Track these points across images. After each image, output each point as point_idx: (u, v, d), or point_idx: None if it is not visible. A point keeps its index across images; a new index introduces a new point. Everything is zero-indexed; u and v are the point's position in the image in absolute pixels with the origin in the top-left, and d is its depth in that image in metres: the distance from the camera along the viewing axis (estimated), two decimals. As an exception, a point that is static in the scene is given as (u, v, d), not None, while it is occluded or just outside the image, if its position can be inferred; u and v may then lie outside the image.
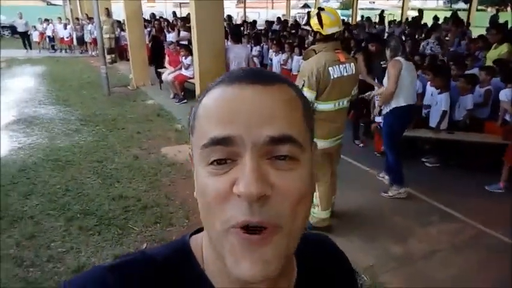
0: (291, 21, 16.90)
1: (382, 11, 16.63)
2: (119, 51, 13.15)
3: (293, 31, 11.54)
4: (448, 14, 14.13)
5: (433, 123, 4.55)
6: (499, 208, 3.76)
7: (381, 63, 5.38)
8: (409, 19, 15.89)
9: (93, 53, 14.34)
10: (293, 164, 0.43)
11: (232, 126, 0.42)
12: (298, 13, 35.75)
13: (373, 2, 43.80)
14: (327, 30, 2.86)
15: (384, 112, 3.95)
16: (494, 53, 5.20)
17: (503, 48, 5.14)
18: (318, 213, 3.34)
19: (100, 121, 6.55)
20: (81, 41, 15.45)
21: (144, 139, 5.74)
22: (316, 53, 2.89)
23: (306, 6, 36.60)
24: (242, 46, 5.51)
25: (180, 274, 0.50)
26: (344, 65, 2.89)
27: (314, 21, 2.89)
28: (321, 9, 2.94)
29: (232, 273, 0.43)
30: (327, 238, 0.68)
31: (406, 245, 3.27)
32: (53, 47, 15.85)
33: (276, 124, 0.43)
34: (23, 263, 2.93)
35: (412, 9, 24.27)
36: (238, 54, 5.25)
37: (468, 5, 16.43)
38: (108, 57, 12.79)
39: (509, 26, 9.28)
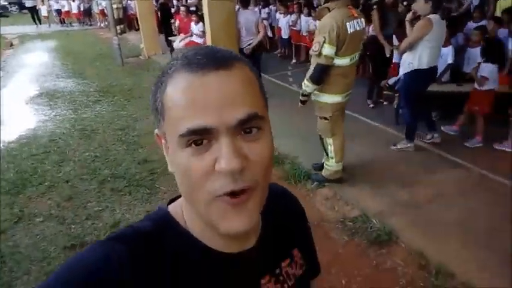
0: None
1: None
2: (128, 21, 13.17)
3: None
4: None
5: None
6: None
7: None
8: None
9: (102, 25, 14.38)
10: (259, 134, 0.51)
11: (207, 117, 0.48)
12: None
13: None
14: None
15: (404, 70, 3.90)
16: (507, 1, 5.15)
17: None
18: (332, 165, 3.54)
19: (117, 91, 6.78)
20: (88, 12, 15.48)
21: (161, 107, 5.96)
22: (329, 11, 3.01)
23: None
24: (251, 11, 5.55)
25: (168, 238, 0.57)
26: (357, 20, 3.02)
27: None
28: None
29: (223, 231, 0.52)
30: (287, 191, 0.78)
31: (412, 191, 3.49)
32: (61, 20, 15.86)
33: (243, 106, 0.49)
34: (65, 221, 3.26)
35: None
36: (248, 19, 5.31)
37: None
38: (118, 28, 12.87)
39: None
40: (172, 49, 8.82)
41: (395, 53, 5.05)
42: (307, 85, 3.17)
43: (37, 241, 3.04)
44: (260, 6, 8.90)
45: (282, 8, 8.17)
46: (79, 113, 5.75)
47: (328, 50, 2.95)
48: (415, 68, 3.73)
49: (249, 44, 5.37)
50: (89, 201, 3.56)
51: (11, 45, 12.10)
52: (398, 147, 4.20)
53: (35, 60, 9.55)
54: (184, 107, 0.49)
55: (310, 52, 3.11)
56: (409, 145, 4.16)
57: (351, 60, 3.11)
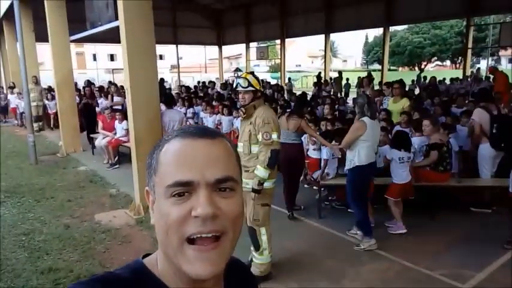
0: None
1: (319, 73, 18.08)
2: (47, 119, 12.72)
3: (229, 93, 12.14)
4: (365, 74, 15.87)
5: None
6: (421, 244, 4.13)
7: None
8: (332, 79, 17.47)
9: (18, 122, 13.69)
10: (232, 193, 0.62)
11: (192, 172, 0.59)
12: (231, 76, 37.54)
13: (299, 65, 47.41)
14: (259, 88, 3.44)
15: (346, 168, 4.18)
16: (398, 106, 5.96)
17: (405, 102, 5.92)
18: (265, 258, 3.45)
19: (26, 192, 6.18)
20: (4, 110, 14.73)
21: (76, 207, 5.50)
22: (255, 108, 3.37)
23: (238, 70, 38.62)
24: (176, 110, 5.72)
25: (144, 285, 0.64)
26: None
27: (255, 81, 3.40)
28: (251, 72, 3.52)
29: (189, 275, 0.59)
30: (239, 260, 0.84)
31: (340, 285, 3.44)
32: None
33: (221, 169, 0.61)
34: None
35: (334, 70, 26.67)
36: (173, 118, 5.44)
37: (381, 66, 18.61)
38: (35, 125, 12.27)
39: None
40: (93, 146, 8.54)
41: (311, 147, 5.44)
42: (263, 172, 3.26)
43: None
44: (186, 107, 9.21)
45: (209, 109, 8.56)
46: (-25, 217, 5.04)
47: (275, 136, 3.29)
48: (356, 164, 3.96)
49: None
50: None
51: None
52: (362, 247, 4.08)
53: None
54: (175, 164, 0.61)
55: (262, 142, 3.27)
56: (371, 242, 4.07)
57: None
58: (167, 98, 5.55)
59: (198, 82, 15.79)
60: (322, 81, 16.21)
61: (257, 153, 3.33)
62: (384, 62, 17.62)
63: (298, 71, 41.58)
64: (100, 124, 7.93)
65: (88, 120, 9.26)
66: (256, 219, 3.40)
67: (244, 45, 23.53)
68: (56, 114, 11.60)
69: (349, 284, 3.48)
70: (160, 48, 40.48)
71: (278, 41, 22.29)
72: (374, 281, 3.52)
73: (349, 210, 5.14)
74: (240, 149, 3.45)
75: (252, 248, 3.60)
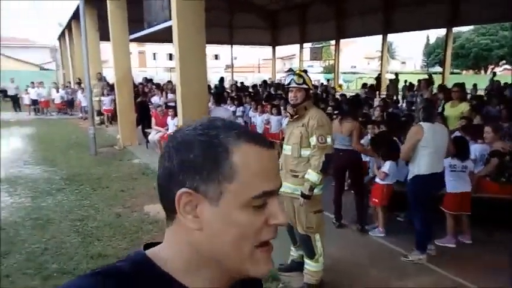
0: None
1: (378, 75, 17.57)
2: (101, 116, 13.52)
3: (279, 92, 12.13)
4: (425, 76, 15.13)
5: (402, 177, 4.71)
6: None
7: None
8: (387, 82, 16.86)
9: (83, 115, 14.66)
10: None
11: (274, 182, 0.63)
12: (283, 77, 37.54)
13: (355, 67, 46.28)
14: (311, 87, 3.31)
15: (409, 177, 3.89)
16: (456, 111, 5.58)
17: (465, 107, 5.53)
18: (319, 265, 3.31)
19: (84, 180, 6.60)
20: (71, 103, 15.87)
21: (128, 197, 5.78)
22: (306, 109, 3.21)
23: (290, 70, 38.55)
24: (224, 108, 5.81)
25: (146, 279, 0.62)
26: None
27: (309, 80, 3.25)
28: (305, 71, 3.37)
29: (251, 275, 0.63)
30: None
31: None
32: (38, 109, 16.09)
33: (279, 178, 0.66)
34: (-6, 324, 2.87)
35: (391, 72, 25.72)
36: (221, 116, 5.52)
37: (442, 68, 17.61)
38: (97, 118, 13.12)
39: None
40: (148, 141, 8.94)
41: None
42: (316, 176, 3.09)
43: None
44: (236, 105, 9.34)
45: (259, 108, 8.62)
46: (38, 202, 5.46)
47: (330, 139, 3.16)
48: (415, 173, 3.72)
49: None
50: (27, 301, 3.19)
51: (-14, 130, 12.02)
52: (410, 258, 3.83)
53: (7, 146, 9.40)
54: (262, 174, 0.61)
55: (317, 145, 3.10)
56: (421, 257, 3.79)
57: None
58: (216, 95, 5.64)
59: (261, 83, 15.93)
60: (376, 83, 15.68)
61: (308, 157, 3.16)
62: (446, 65, 16.64)
63: (353, 73, 40.63)
64: (153, 120, 8.28)
65: (142, 116, 9.69)
66: (310, 226, 3.23)
67: (298, 45, 23.39)
68: (109, 111, 12.30)
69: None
70: (216, 48, 41.53)
71: (333, 42, 21.91)
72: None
73: (398, 218, 4.95)
74: (287, 152, 3.30)
75: (294, 254, 3.55)
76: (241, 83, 17.39)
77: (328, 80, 22.86)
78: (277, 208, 0.62)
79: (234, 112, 9.04)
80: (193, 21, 4.94)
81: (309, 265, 3.32)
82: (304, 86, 3.18)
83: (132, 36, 8.64)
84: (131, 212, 5.18)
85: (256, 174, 0.60)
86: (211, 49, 41.90)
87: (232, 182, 0.59)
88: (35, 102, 15.90)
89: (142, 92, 10.75)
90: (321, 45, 26.05)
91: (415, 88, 10.58)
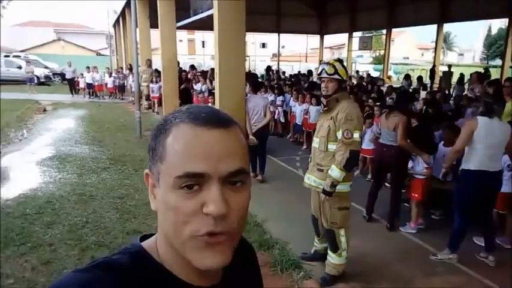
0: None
1: (433, 67, 16.82)
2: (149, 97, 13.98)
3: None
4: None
5: (437, 174, 4.54)
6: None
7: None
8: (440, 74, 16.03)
9: (132, 99, 15.31)
10: (242, 187, 0.60)
11: (204, 164, 0.56)
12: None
13: (407, 58, 44.30)
14: (345, 79, 3.18)
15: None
16: (507, 107, 5.19)
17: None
18: (343, 259, 3.31)
19: (128, 161, 6.94)
20: (122, 88, 16.63)
21: (166, 179, 6.01)
22: (338, 101, 3.10)
23: (338, 60, 37.58)
24: (261, 96, 5.84)
25: (143, 270, 0.62)
26: None
27: (342, 70, 3.10)
28: (339, 60, 3.21)
29: (199, 266, 0.58)
30: (244, 238, 0.82)
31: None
32: (92, 93, 17.00)
33: (234, 161, 0.58)
34: (35, 286, 3.14)
35: (446, 64, 24.37)
36: (257, 104, 5.57)
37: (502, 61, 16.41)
38: (145, 103, 13.66)
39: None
40: (189, 126, 9.19)
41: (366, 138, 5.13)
42: (340, 174, 3.01)
43: (-1, 305, 2.91)
44: (276, 94, 9.33)
45: (300, 97, 8.57)
46: (83, 178, 5.85)
47: (357, 135, 3.02)
48: (463, 168, 3.56)
49: (255, 126, 5.58)
50: (66, 268, 3.44)
51: (44, 110, 12.92)
52: (439, 257, 3.73)
53: (61, 126, 10.08)
54: (186, 154, 0.56)
55: (342, 140, 3.01)
56: (451, 256, 3.68)
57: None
58: (254, 83, 5.68)
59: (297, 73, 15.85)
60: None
61: (334, 151, 3.07)
62: (506, 57, 15.47)
63: (405, 64, 38.90)
64: (195, 105, 8.50)
65: (185, 102, 9.97)
66: (334, 222, 3.20)
67: (347, 34, 22.77)
68: (157, 98, 12.70)
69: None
70: (263, 37, 41.47)
71: (384, 31, 21.09)
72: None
73: (432, 216, 4.77)
74: (315, 145, 3.27)
75: (317, 245, 3.55)
76: (283, 72, 17.26)
77: (379, 72, 22.12)
78: (211, 196, 0.56)
79: (274, 101, 9.05)
80: (233, 9, 4.98)
81: (332, 258, 3.32)
82: (336, 76, 3.04)
83: (179, 24, 8.85)
84: (167, 193, 5.39)
85: (181, 153, 0.57)
86: (258, 37, 41.89)
87: (163, 162, 0.59)
88: (89, 85, 16.83)
89: (186, 78, 11.02)
90: (371, 35, 25.13)
91: (465, 81, 9.95)
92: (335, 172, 3.01)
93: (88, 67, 16.87)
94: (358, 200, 4.96)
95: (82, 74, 17.01)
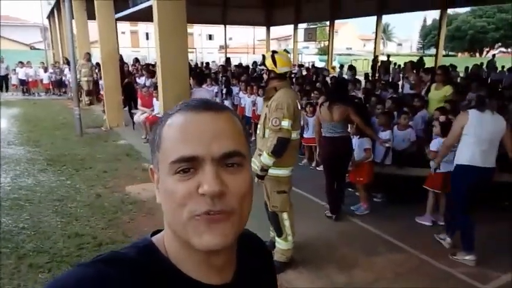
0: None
1: (375, 57, 17.47)
2: (97, 94, 13.37)
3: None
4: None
5: (378, 158, 4.77)
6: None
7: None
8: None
9: (71, 96, 14.52)
10: (239, 169, 0.59)
11: (196, 147, 0.57)
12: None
13: (350, 48, 45.89)
14: (280, 69, 3.22)
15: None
16: (439, 94, 5.56)
17: (448, 90, 5.50)
18: (288, 243, 3.41)
19: (68, 161, 6.58)
20: (59, 84, 15.69)
21: (110, 178, 5.78)
22: (276, 90, 3.22)
23: (284, 51, 38.12)
24: (205, 89, 5.76)
25: (150, 265, 0.61)
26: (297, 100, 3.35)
27: (269, 61, 3.23)
28: (274, 51, 3.35)
29: (197, 248, 0.57)
30: (255, 234, 0.82)
31: (351, 274, 3.36)
32: (26, 90, 15.89)
33: (228, 142, 0.58)
34: (-35, 301, 2.90)
35: (386, 54, 25.53)
36: (203, 97, 5.49)
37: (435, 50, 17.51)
38: (86, 99, 13.00)
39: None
40: (134, 122, 8.88)
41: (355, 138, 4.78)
42: (268, 159, 3.17)
43: None
44: (222, 86, 9.26)
45: (249, 89, 8.54)
46: (17, 181, 5.46)
47: (286, 123, 3.13)
48: (455, 163, 3.52)
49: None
50: (1, 278, 3.21)
51: (-28, 110, 11.88)
52: (458, 258, 3.55)
53: (-8, 127, 9.33)
54: (179, 139, 0.58)
55: (270, 127, 3.16)
56: (467, 257, 3.48)
57: (297, 135, 3.35)
58: (197, 76, 5.59)
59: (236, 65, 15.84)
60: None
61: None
62: (439, 47, 16.55)
63: (349, 54, 40.30)
64: (139, 101, 8.21)
65: (129, 97, 9.62)
66: (275, 205, 3.35)
67: (292, 26, 23.09)
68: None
69: (361, 273, 3.40)
70: (210, 28, 40.93)
71: (328, 23, 21.64)
72: (387, 272, 3.41)
73: (375, 199, 4.98)
74: (258, 131, 3.42)
75: (272, 234, 3.60)
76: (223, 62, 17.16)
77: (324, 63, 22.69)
78: (205, 176, 0.56)
79: (220, 93, 8.97)
80: (172, 0, 4.84)
81: (279, 243, 3.42)
82: (263, 67, 3.28)
83: (118, 15, 8.47)
84: (112, 193, 5.19)
85: (175, 139, 0.58)
86: (204, 29, 41.29)
87: (160, 150, 0.60)
88: (22, 82, 15.67)
89: (128, 72, 10.62)
90: (315, 26, 25.71)
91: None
92: (264, 157, 3.19)
93: (21, 62, 15.71)
94: (303, 187, 5.14)
95: (14, 70, 15.80)
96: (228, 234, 0.58)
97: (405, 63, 9.34)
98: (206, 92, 5.74)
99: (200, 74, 5.88)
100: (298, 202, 4.86)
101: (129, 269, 0.59)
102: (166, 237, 0.65)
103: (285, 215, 3.36)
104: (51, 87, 15.91)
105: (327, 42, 22.46)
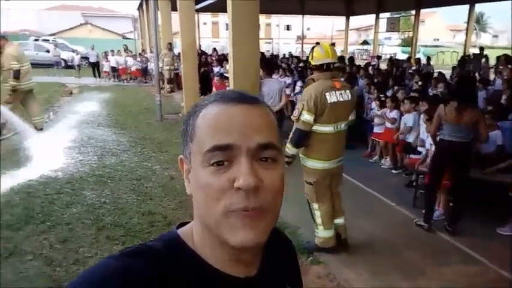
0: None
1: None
2: (178, 82, 14.08)
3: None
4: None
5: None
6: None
7: None
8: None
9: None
10: (274, 164, 0.59)
11: (232, 136, 0.56)
12: (358, 49, 35.85)
13: (438, 40, 42.61)
14: (316, 61, 3.27)
15: None
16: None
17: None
18: (321, 232, 3.48)
19: (147, 144, 7.08)
20: (145, 71, 16.83)
21: (183, 162, 6.09)
22: (314, 81, 3.26)
23: (365, 42, 36.63)
24: (276, 80, 5.76)
25: (177, 257, 0.61)
26: (340, 92, 3.20)
27: (310, 54, 3.38)
28: (317, 43, 3.42)
29: (231, 244, 0.57)
30: (279, 229, 0.81)
31: (416, 283, 3.18)
32: (117, 76, 17.28)
33: (262, 134, 0.58)
34: (52, 263, 3.28)
35: (479, 47, 23.30)
36: (272, 87, 5.53)
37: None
38: (167, 86, 13.79)
39: None
40: (208, 110, 9.23)
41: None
42: (288, 148, 3.36)
43: (18, 279, 3.06)
44: (295, 76, 9.21)
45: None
46: (103, 160, 6.01)
47: (306, 116, 3.15)
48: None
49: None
50: (82, 246, 3.58)
51: (71, 93, 13.27)
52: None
53: (85, 109, 10.33)
54: (213, 129, 0.57)
55: (292, 117, 3.30)
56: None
57: (334, 128, 3.24)
58: (267, 66, 5.62)
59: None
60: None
61: None
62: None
63: (436, 46, 37.48)
64: (213, 89, 8.51)
65: (205, 85, 10.00)
66: (306, 193, 3.49)
67: (374, 15, 22.05)
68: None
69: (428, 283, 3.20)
70: (287, 19, 40.76)
71: (413, 12, 20.27)
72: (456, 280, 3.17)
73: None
74: None
75: None
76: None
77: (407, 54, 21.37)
78: (241, 170, 0.55)
79: (294, 84, 8.92)
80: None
81: (315, 228, 3.56)
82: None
83: (198, 6, 8.80)
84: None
85: (209, 129, 0.58)
86: (283, 19, 41.22)
87: (193, 141, 0.60)
88: (113, 69, 17.10)
89: (206, 61, 11.02)
90: (399, 16, 24.23)
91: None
92: (287, 146, 3.36)
93: (112, 50, 17.12)
94: (371, 185, 5.00)
95: (107, 58, 17.28)
96: (262, 231, 0.58)
97: (498, 57, 8.44)
98: (276, 82, 5.76)
99: (270, 64, 5.88)
100: (364, 200, 4.78)
101: (155, 262, 0.59)
102: (195, 229, 0.65)
103: (315, 205, 3.43)
104: (138, 74, 17.12)
105: (411, 32, 21.11)
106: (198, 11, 10.83)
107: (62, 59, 21.47)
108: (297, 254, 0.85)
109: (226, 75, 8.41)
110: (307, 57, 3.44)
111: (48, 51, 21.65)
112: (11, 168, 5.45)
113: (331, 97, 3.14)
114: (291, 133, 3.30)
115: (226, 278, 0.62)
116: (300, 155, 3.42)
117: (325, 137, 3.24)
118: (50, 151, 6.19)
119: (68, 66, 20.97)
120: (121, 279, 0.55)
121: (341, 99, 3.18)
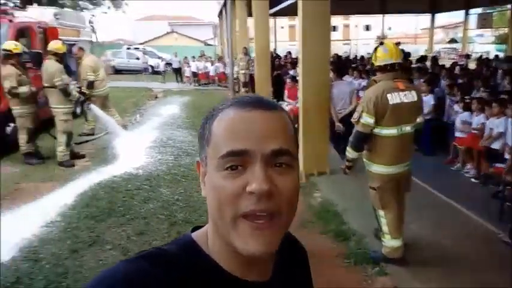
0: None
1: None
2: (252, 85, 14.43)
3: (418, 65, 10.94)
4: None
5: None
6: None
7: None
8: None
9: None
10: (288, 170, 0.59)
11: (247, 142, 0.57)
12: (444, 48, 33.31)
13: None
14: (379, 62, 3.14)
15: None
16: None
17: None
18: (388, 241, 3.28)
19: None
20: (223, 76, 17.52)
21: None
22: (376, 83, 3.16)
23: (453, 41, 33.92)
24: (347, 82, 5.61)
25: (190, 261, 0.62)
26: (404, 93, 3.03)
27: (373, 55, 3.27)
28: (381, 43, 3.27)
29: (241, 251, 0.57)
30: (298, 240, 0.83)
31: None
32: (197, 81, 18.18)
33: (277, 140, 0.58)
34: (128, 253, 3.56)
35: None
36: (342, 90, 5.40)
37: None
38: (243, 90, 14.18)
39: None
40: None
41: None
42: (348, 151, 3.32)
43: (98, 266, 3.37)
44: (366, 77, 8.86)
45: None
46: (179, 160, 6.39)
47: (366, 118, 3.05)
48: None
49: (340, 113, 5.43)
50: (155, 239, 3.85)
51: (156, 97, 14.32)
52: None
53: (167, 111, 11.05)
54: (229, 134, 0.58)
55: (352, 120, 3.23)
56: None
57: (398, 131, 3.06)
58: (337, 68, 5.51)
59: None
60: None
61: None
62: None
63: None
64: (286, 92, 8.55)
65: (277, 88, 10.09)
66: (371, 199, 3.36)
67: (463, 12, 20.35)
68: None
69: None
70: (367, 19, 39.39)
71: (509, 6, 18.32)
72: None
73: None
74: None
75: None
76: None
77: (503, 53, 19.39)
78: (254, 174, 0.56)
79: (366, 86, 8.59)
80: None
81: (382, 237, 3.35)
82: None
83: (271, 11, 8.94)
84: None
85: (224, 134, 0.59)
86: (362, 20, 39.94)
87: (210, 145, 0.61)
88: (194, 74, 18.08)
89: (279, 65, 11.12)
90: (492, 11, 22.05)
91: None
92: (347, 150, 3.33)
93: (193, 56, 18.10)
94: (449, 194, 4.71)
95: (188, 63, 18.32)
96: (273, 241, 0.58)
97: None
98: (346, 84, 5.62)
99: (341, 66, 5.75)
100: (443, 211, 4.44)
101: (170, 265, 0.60)
102: (210, 232, 0.66)
103: (381, 212, 3.25)
104: (217, 78, 17.89)
105: (507, 29, 19.08)
106: (275, 15, 11.00)
107: (150, 65, 23.30)
108: (309, 263, 0.83)
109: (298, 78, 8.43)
110: (370, 57, 3.29)
111: (138, 58, 23.65)
112: (99, 165, 6.06)
113: (394, 98, 2.99)
114: (351, 136, 3.24)
115: (242, 283, 0.63)
116: (364, 160, 3.32)
117: (388, 141, 3.09)
118: (134, 150, 6.74)
119: (155, 72, 22.63)
120: (140, 283, 0.55)
121: (405, 101, 3.02)
